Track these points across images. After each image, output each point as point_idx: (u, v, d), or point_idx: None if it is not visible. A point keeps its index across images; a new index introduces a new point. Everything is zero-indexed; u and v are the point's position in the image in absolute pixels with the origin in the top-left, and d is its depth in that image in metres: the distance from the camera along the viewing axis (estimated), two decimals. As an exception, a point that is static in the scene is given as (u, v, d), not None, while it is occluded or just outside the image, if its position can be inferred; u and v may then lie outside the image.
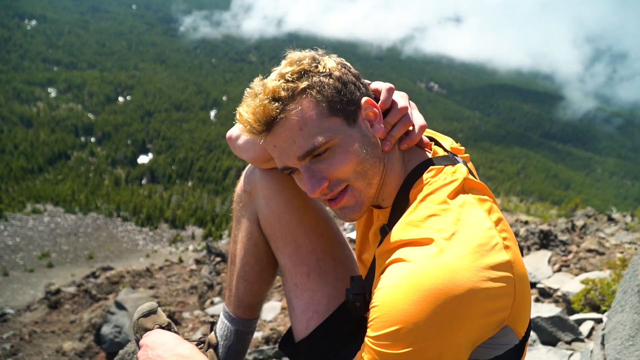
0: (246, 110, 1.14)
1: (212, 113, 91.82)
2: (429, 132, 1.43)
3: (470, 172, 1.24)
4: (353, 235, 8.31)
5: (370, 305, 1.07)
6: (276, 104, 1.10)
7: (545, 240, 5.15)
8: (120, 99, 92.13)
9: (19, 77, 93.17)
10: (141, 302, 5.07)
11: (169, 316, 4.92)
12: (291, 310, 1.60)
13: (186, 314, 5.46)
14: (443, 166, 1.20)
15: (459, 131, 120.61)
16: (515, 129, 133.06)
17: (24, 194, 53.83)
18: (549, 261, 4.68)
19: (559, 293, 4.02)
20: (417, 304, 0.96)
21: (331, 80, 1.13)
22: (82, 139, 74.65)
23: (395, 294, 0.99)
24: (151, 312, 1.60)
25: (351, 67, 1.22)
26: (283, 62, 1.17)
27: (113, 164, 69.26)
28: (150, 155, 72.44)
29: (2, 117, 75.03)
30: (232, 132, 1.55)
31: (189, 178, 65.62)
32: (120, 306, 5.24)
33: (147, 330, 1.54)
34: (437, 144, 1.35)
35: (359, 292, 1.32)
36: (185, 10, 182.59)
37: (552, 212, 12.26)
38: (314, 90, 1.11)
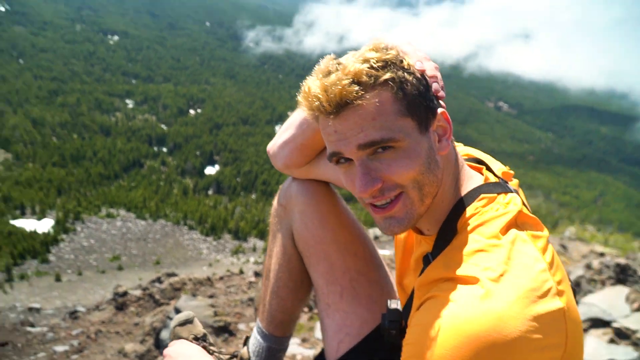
0: (318, 86, 1.01)
1: (277, 127, 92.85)
2: (476, 153, 1.32)
3: (522, 203, 1.12)
4: (386, 252, 8.13)
5: (404, 341, 1.00)
6: (356, 87, 0.98)
7: (622, 275, 4.80)
8: (192, 111, 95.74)
9: (100, 88, 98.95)
10: (199, 309, 5.17)
11: (224, 326, 4.98)
12: (323, 331, 1.55)
13: (242, 326, 5.51)
14: (495, 195, 1.09)
15: (530, 153, 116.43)
16: (592, 153, 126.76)
17: (100, 199, 56.78)
18: (627, 298, 4.35)
19: (638, 335, 3.72)
20: (457, 350, 0.88)
21: (415, 80, 1.03)
22: (155, 148, 78.03)
23: (433, 336, 0.92)
24: (187, 322, 1.60)
25: None
26: (364, 47, 1.06)
27: (182, 174, 71.82)
28: (217, 166, 74.56)
29: (84, 125, 79.77)
30: (272, 144, 1.53)
31: (253, 191, 66.95)
32: (179, 312, 5.36)
33: (181, 339, 1.52)
34: (488, 168, 1.23)
35: (396, 319, 1.25)
36: (250, 26, 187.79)
37: (634, 245, 11.49)
38: (397, 85, 1.00)
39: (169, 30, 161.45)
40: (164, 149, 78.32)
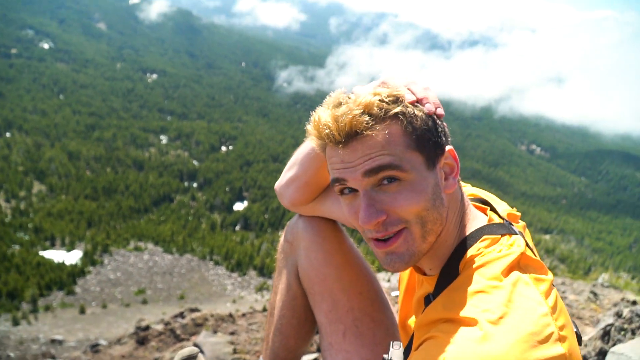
0: (329, 115, 1.02)
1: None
2: (482, 193, 1.30)
3: (527, 245, 1.10)
4: (396, 293, 7.92)
5: None
6: (366, 118, 0.98)
7: (655, 324, 4.58)
8: (223, 148, 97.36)
9: (136, 124, 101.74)
10: (218, 346, 5.12)
11: (243, 365, 4.91)
12: None
13: (261, 364, 5.42)
14: (499, 236, 1.07)
15: (562, 197, 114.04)
16: (627, 198, 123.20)
17: (129, 232, 57.55)
18: (660, 349, 4.13)
19: (671, 387, 3.52)
20: None
21: (424, 116, 1.03)
22: (186, 183, 79.20)
23: None
24: (191, 358, 1.58)
25: None
26: (374, 83, 1.09)
27: (211, 209, 72.52)
28: (246, 202, 75.13)
29: (118, 159, 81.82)
30: (278, 182, 1.54)
31: (279, 227, 66.96)
32: (198, 349, 5.31)
33: None
34: (492, 208, 1.20)
35: None
36: (283, 66, 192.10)
37: (668, 293, 11.00)
38: (406, 119, 1.00)
39: (206, 69, 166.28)
40: (195, 184, 79.48)
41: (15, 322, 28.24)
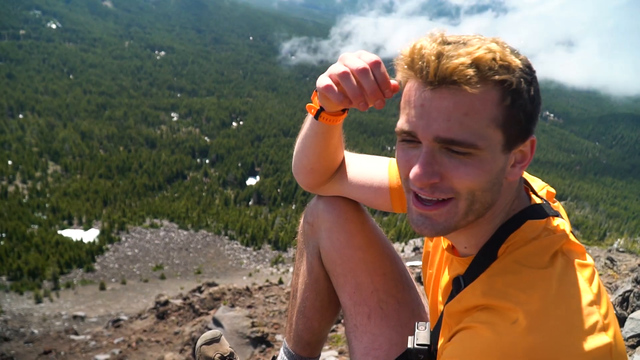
0: (433, 49, 0.90)
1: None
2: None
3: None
4: (416, 262, 7.92)
5: None
6: (472, 71, 0.87)
7: (674, 289, 4.56)
8: (234, 124, 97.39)
9: (147, 102, 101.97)
10: (237, 320, 5.20)
11: (262, 337, 4.99)
12: (351, 352, 1.51)
13: (279, 336, 5.51)
14: (544, 220, 1.01)
15: (577, 163, 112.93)
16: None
17: (144, 209, 58.27)
18: (679, 313, 4.13)
19: (690, 351, 3.52)
20: None
21: (528, 96, 0.92)
22: (198, 160, 79.64)
23: None
24: (214, 340, 1.59)
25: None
26: (489, 38, 0.93)
27: (224, 185, 72.98)
28: (258, 177, 75.44)
29: (131, 138, 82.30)
30: (293, 165, 1.51)
31: (292, 201, 67.36)
32: (217, 323, 5.41)
33: (207, 358, 1.52)
34: (531, 188, 1.12)
35: (424, 342, 1.18)
36: (286, 37, 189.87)
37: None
38: (508, 92, 0.89)
39: (214, 45, 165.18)
40: (207, 161, 79.84)
41: (38, 300, 28.88)
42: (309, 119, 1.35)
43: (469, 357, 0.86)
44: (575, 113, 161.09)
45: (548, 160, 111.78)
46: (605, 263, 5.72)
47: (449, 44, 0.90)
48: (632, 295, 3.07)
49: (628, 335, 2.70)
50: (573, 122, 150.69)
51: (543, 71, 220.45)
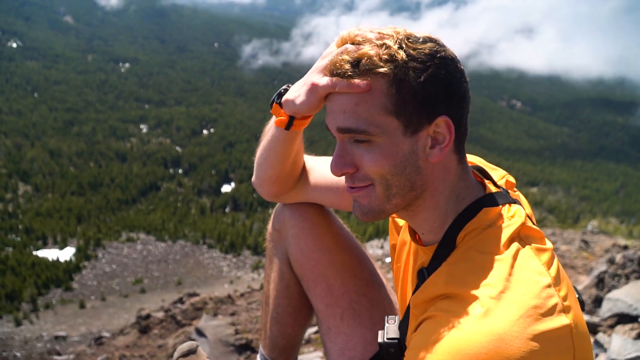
0: (333, 52, 1.05)
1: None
2: (476, 160, 1.25)
3: (526, 214, 1.06)
4: (388, 260, 8.03)
5: None
6: (349, 67, 0.98)
7: (647, 267, 4.68)
8: (205, 131, 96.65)
9: (114, 115, 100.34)
10: (220, 329, 5.16)
11: (246, 344, 4.96)
12: (327, 355, 1.52)
13: (265, 341, 5.49)
14: (500, 207, 1.04)
15: (546, 149, 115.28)
16: (610, 144, 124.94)
17: (120, 224, 57.36)
18: (653, 291, 4.24)
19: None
20: None
21: (418, 83, 0.96)
22: (171, 170, 78.74)
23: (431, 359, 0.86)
24: (190, 352, 1.58)
25: (456, 68, 1.01)
26: (389, 29, 1.01)
27: (199, 194, 72.33)
28: (233, 184, 75.00)
29: (100, 153, 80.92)
30: (254, 177, 1.53)
31: (269, 205, 66.91)
32: (200, 333, 5.37)
33: None
34: (488, 177, 1.16)
35: (393, 336, 1.19)
36: (247, 41, 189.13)
37: (660, 236, 11.23)
38: (394, 82, 0.95)
39: (178, 54, 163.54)
40: (180, 171, 79.04)
41: (18, 323, 28.24)
42: (271, 129, 1.36)
43: (433, 345, 0.87)
44: (542, 100, 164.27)
45: (518, 147, 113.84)
46: (580, 246, 5.85)
47: (354, 43, 1.00)
48: (607, 275, 3.14)
49: (606, 316, 2.76)
50: (540, 109, 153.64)
51: (504, 60, 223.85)
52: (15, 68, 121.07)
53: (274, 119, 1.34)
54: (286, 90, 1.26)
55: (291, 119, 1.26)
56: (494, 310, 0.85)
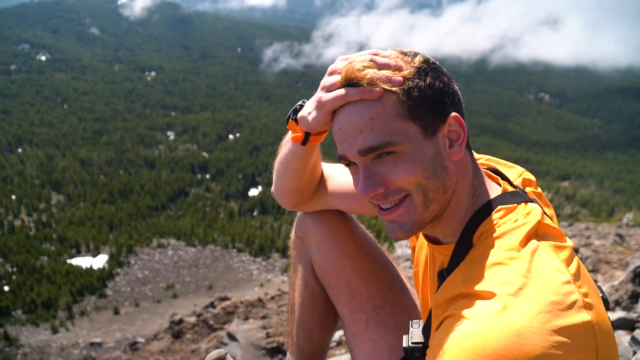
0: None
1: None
2: (492, 161, 1.27)
3: (545, 213, 1.07)
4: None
5: None
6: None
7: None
8: (231, 136, 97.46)
9: (142, 123, 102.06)
10: (251, 332, 5.19)
11: (277, 347, 4.98)
12: None
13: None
14: (514, 205, 1.04)
15: (576, 142, 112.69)
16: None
17: (150, 230, 58.26)
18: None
19: None
20: None
21: (426, 84, 0.99)
22: (199, 176, 79.61)
23: (450, 357, 0.86)
24: (219, 359, 1.59)
25: (445, 71, 1.06)
26: (389, 50, 1.06)
27: (227, 198, 72.95)
28: (260, 187, 75.42)
29: (130, 161, 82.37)
30: (273, 188, 1.56)
31: (297, 207, 67.02)
32: (232, 337, 5.40)
33: None
34: (504, 177, 1.17)
35: (418, 340, 1.19)
36: (267, 44, 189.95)
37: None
38: (403, 90, 0.98)
39: (202, 60, 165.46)
40: (207, 176, 79.86)
41: (54, 330, 28.92)
42: (288, 143, 1.38)
43: (452, 342, 0.88)
44: (570, 91, 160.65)
45: (547, 141, 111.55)
46: (615, 240, 5.69)
47: (356, 80, 1.02)
48: (644, 269, 3.03)
49: (644, 310, 2.67)
50: (568, 101, 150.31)
51: (530, 52, 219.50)
52: (45, 80, 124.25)
53: (290, 133, 1.36)
54: (301, 106, 1.27)
55: (307, 134, 1.27)
56: (512, 306, 0.85)
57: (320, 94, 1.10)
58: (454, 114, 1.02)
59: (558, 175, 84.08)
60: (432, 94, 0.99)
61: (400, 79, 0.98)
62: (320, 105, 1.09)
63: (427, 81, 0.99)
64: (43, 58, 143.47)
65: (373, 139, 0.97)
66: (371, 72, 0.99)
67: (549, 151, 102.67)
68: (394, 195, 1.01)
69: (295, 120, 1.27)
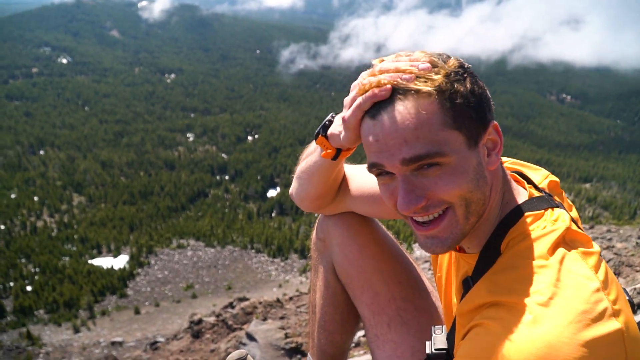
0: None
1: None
2: (517, 164, 1.23)
3: (571, 218, 1.04)
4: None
5: None
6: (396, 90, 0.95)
7: None
8: (249, 138, 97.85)
9: (162, 125, 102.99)
10: (270, 333, 5.22)
11: (296, 348, 5.00)
12: None
13: (315, 345, 5.51)
14: (542, 211, 1.02)
15: (599, 143, 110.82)
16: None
17: (170, 231, 58.79)
18: None
19: None
20: None
21: (467, 90, 0.94)
22: (218, 177, 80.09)
23: None
24: None
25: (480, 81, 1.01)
26: (417, 52, 1.00)
27: (245, 199, 73.29)
28: (279, 188, 75.61)
29: (150, 162, 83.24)
30: (291, 190, 1.56)
31: (315, 209, 67.03)
32: (251, 337, 5.44)
33: None
34: (529, 181, 1.14)
35: (441, 347, 1.18)
36: (285, 45, 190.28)
37: None
38: (445, 96, 0.92)
39: (222, 62, 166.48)
40: (226, 177, 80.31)
41: (76, 330, 29.36)
42: (315, 155, 1.37)
43: (481, 352, 0.86)
44: (592, 92, 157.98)
45: (569, 143, 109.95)
46: (638, 243, 5.59)
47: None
48: (666, 272, 2.99)
49: (667, 314, 2.64)
50: (591, 102, 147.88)
51: (550, 52, 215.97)
52: (67, 83, 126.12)
53: (313, 143, 1.36)
54: (330, 122, 1.24)
55: (338, 150, 1.25)
56: (543, 317, 0.83)
57: (343, 112, 1.07)
58: (494, 122, 0.99)
59: (580, 177, 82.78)
60: (474, 101, 0.95)
61: (439, 77, 0.93)
62: (345, 124, 1.06)
63: (467, 86, 0.94)
64: (64, 61, 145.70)
65: (420, 148, 0.91)
66: (387, 77, 0.94)
67: (571, 153, 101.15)
68: (435, 208, 0.97)
69: (326, 136, 1.24)
